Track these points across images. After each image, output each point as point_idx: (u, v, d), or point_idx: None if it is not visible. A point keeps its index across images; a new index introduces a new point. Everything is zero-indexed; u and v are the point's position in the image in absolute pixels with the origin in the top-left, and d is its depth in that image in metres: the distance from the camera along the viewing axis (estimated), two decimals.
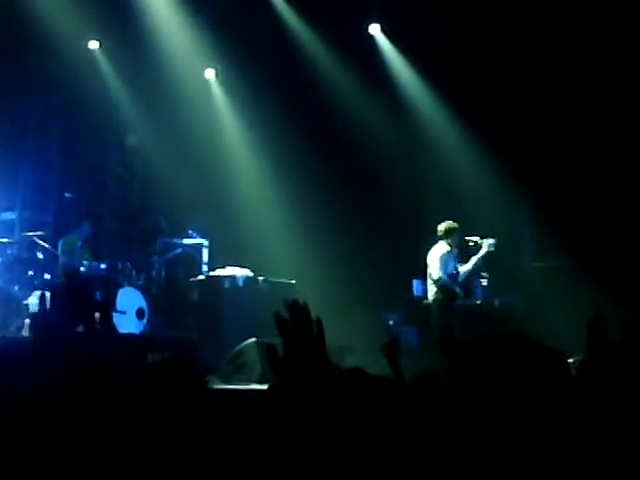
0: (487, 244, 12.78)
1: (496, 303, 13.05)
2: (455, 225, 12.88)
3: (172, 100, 15.21)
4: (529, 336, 2.74)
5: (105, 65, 15.83)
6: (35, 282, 13.28)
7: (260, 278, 13.64)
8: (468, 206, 14.03)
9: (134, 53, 15.10)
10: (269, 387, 4.59)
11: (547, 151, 14.14)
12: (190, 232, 14.79)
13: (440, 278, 12.73)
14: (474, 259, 12.77)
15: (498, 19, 13.84)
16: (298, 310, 4.84)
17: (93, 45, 15.80)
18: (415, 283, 13.64)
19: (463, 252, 13.08)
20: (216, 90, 16.35)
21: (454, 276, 12.84)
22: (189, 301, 13.98)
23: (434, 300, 12.81)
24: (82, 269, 13.19)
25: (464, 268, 12.82)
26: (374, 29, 15.59)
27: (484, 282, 13.11)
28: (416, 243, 13.27)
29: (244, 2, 14.94)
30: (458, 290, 12.82)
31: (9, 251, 13.82)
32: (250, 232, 15.20)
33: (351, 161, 15.05)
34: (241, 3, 14.81)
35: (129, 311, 12.89)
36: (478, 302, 13.03)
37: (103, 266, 13.39)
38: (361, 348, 10.89)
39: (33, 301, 12.60)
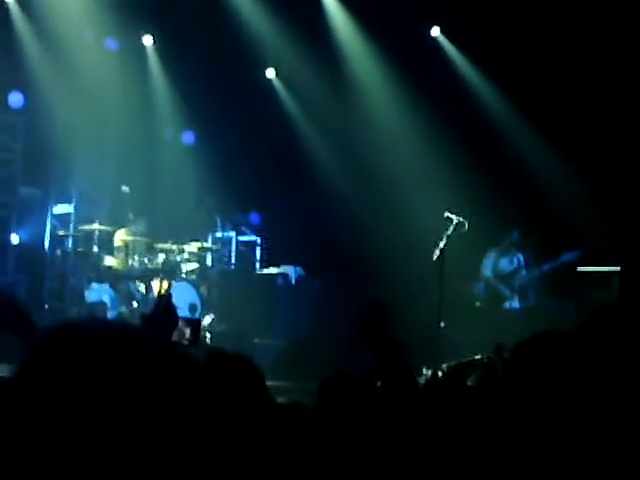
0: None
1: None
2: None
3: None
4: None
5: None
6: (91, 275, 13.46)
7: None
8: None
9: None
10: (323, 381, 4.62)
11: None
12: (244, 229, 14.87)
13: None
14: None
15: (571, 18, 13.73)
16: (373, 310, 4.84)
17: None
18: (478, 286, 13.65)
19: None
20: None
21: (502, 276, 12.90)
22: (241, 297, 14.06)
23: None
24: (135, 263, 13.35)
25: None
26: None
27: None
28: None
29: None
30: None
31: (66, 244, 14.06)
32: (301, 229, 15.23)
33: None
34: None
35: (182, 306, 12.98)
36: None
37: (161, 259, 13.49)
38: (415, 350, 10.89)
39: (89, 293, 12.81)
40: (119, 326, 1.95)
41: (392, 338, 5.12)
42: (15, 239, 13.78)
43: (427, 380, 9.44)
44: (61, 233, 14.27)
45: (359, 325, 5.24)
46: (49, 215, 14.60)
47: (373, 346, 5.09)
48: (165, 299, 3.92)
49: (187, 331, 8.69)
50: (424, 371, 12.40)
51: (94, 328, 1.86)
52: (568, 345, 2.89)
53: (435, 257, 12.05)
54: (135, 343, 1.83)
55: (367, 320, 5.09)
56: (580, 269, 13.21)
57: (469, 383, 7.94)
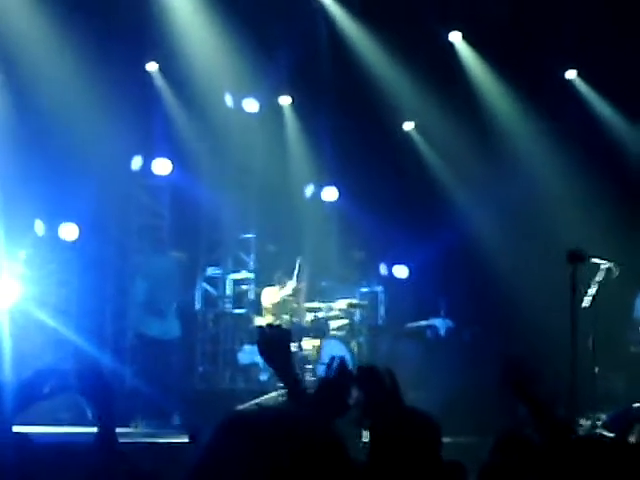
0: None
1: None
2: None
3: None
4: None
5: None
6: (242, 336, 13.74)
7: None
8: None
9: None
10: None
11: None
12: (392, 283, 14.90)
13: None
14: None
15: None
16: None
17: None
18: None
19: None
20: None
21: None
22: (391, 352, 14.06)
23: None
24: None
25: None
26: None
27: None
28: None
29: None
30: None
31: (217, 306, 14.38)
32: (447, 281, 15.18)
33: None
34: None
35: None
36: None
37: (309, 317, 13.58)
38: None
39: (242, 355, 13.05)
40: (289, 416, 1.99)
41: (540, 395, 4.99)
42: None
43: (586, 435, 9.22)
44: (212, 295, 14.54)
45: (503, 386, 5.12)
46: (199, 278, 14.87)
47: (524, 402, 4.97)
48: (340, 362, 3.96)
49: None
50: (582, 422, 12.16)
51: (269, 418, 1.91)
52: None
53: (587, 305, 11.84)
54: (305, 433, 1.87)
55: (510, 381, 4.96)
56: None
57: (631, 438, 7.72)
